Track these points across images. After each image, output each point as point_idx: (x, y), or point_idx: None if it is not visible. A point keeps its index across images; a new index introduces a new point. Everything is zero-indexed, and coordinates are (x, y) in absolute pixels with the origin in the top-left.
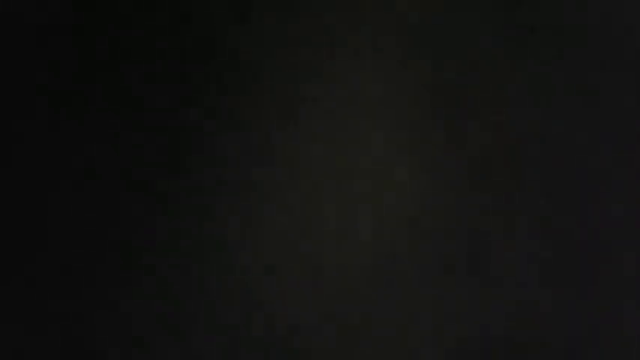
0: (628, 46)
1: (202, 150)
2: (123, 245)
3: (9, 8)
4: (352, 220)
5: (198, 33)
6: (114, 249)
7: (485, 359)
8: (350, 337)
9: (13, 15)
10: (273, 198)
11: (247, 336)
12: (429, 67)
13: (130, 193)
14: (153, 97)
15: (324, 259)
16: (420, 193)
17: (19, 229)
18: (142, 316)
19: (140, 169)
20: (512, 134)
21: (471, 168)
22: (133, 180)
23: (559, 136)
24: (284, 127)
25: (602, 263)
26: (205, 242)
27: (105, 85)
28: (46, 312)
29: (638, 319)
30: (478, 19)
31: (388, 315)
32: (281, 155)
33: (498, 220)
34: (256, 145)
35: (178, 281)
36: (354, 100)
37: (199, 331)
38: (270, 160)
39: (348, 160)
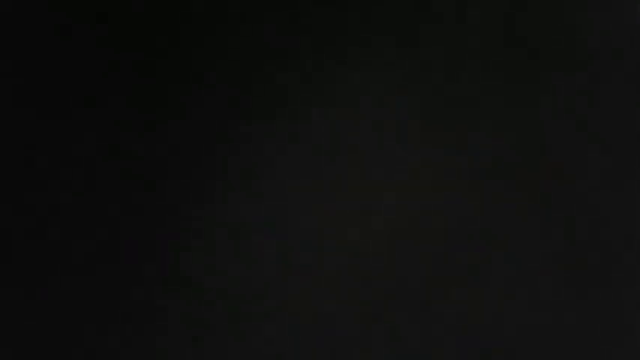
0: (628, 53)
1: (213, 150)
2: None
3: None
4: (354, 221)
5: (206, 31)
6: (117, 247)
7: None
8: (353, 336)
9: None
10: (274, 195)
11: (249, 337)
12: (435, 72)
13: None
14: (160, 97)
15: (326, 259)
16: (425, 194)
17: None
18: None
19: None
20: (516, 138)
21: (475, 171)
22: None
23: (562, 139)
24: (290, 128)
25: (607, 262)
26: (209, 244)
27: (111, 86)
28: (47, 309)
29: None
30: (484, 27)
31: (392, 316)
32: (286, 156)
33: (503, 222)
34: (261, 146)
35: (181, 278)
36: (360, 102)
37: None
38: (276, 161)
39: (353, 161)
